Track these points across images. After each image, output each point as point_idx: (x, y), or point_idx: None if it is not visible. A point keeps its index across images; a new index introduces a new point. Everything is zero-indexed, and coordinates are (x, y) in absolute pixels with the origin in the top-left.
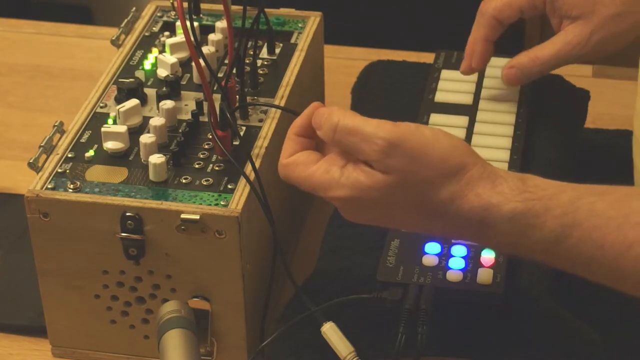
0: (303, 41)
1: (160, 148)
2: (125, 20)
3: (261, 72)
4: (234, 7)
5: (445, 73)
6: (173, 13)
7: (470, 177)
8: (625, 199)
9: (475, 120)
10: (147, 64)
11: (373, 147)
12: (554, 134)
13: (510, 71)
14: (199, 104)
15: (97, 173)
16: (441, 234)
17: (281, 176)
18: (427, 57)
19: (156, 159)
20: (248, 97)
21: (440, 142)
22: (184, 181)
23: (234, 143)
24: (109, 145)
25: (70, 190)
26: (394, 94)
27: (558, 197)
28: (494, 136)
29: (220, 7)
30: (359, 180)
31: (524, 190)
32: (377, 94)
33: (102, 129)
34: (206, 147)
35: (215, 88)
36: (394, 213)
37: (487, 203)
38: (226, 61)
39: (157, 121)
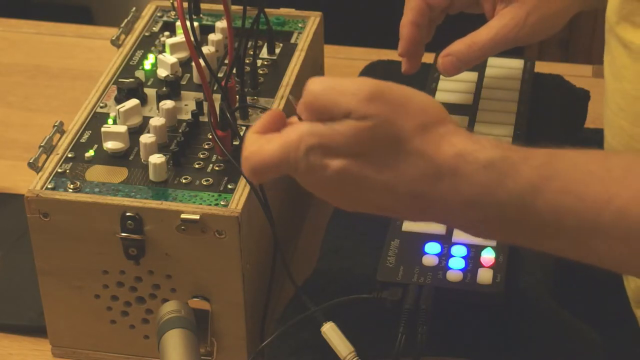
0: (303, 41)
1: (160, 148)
2: (125, 20)
3: (261, 72)
4: (234, 7)
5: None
6: (173, 13)
7: (446, 130)
8: (606, 156)
9: (475, 120)
10: (147, 64)
11: (353, 98)
12: (554, 134)
13: (446, 59)
14: (199, 104)
15: (97, 173)
16: (408, 200)
17: (248, 172)
18: (427, 57)
19: (156, 159)
20: (248, 97)
21: (422, 96)
22: (184, 181)
23: (234, 143)
24: (109, 145)
25: (70, 190)
26: None
27: (537, 150)
28: (494, 136)
29: (220, 7)
30: (332, 126)
31: (502, 143)
32: None
33: (102, 129)
34: (206, 147)
35: (215, 88)
36: (362, 169)
37: (463, 150)
38: (226, 61)
39: (157, 121)
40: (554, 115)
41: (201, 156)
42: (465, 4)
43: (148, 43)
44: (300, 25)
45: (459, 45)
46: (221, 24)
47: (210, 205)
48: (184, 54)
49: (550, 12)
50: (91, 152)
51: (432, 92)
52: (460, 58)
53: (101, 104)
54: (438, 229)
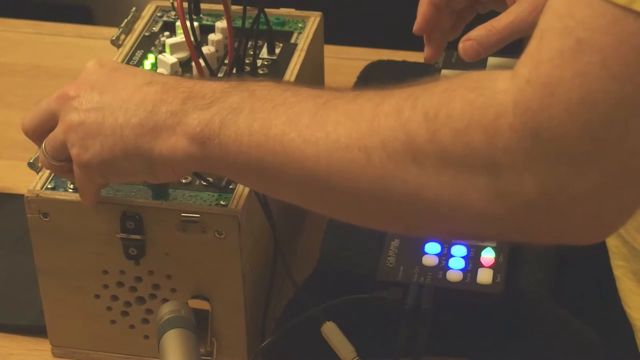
0: (303, 41)
1: None
2: (125, 20)
3: (261, 72)
4: (234, 7)
5: (445, 73)
6: (173, 13)
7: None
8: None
9: None
10: (147, 64)
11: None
12: None
13: (467, 44)
14: None
15: None
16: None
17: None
18: None
19: None
20: None
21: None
22: (183, 181)
23: None
24: None
25: (70, 190)
26: None
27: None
28: None
29: (220, 7)
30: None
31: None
32: None
33: None
34: None
35: None
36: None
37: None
38: (226, 61)
39: None
40: None
41: None
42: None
43: (148, 43)
44: (300, 25)
45: (479, 30)
46: (221, 24)
47: (210, 205)
48: (184, 54)
49: None
50: None
51: None
52: (480, 42)
53: None
54: None
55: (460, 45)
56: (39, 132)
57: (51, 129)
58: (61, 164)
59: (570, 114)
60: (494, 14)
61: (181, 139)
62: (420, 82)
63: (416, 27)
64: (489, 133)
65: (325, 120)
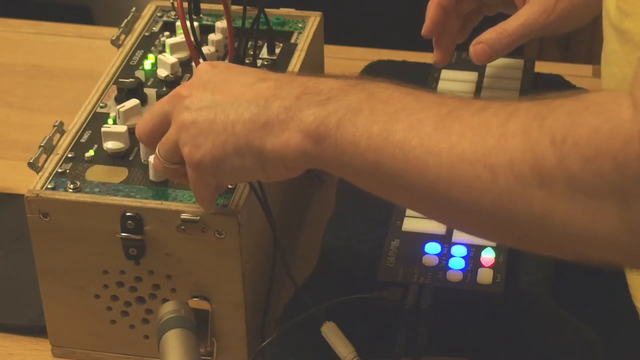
0: (303, 41)
1: None
2: (125, 20)
3: None
4: (234, 7)
5: (445, 73)
6: (173, 13)
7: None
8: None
9: None
10: (147, 64)
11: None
12: None
13: (478, 47)
14: None
15: (97, 173)
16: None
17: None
18: (427, 57)
19: None
20: None
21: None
22: None
23: None
24: (109, 145)
25: (70, 190)
26: None
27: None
28: None
29: (220, 7)
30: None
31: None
32: None
33: (102, 129)
34: None
35: None
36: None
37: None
38: (226, 61)
39: None
40: None
41: None
42: (499, 1)
43: (148, 43)
44: (300, 25)
45: (490, 34)
46: (221, 24)
47: None
48: (184, 54)
49: (579, 2)
50: (91, 152)
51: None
52: (491, 45)
53: (101, 104)
54: (438, 229)
55: (472, 49)
56: (153, 136)
57: (165, 131)
58: (175, 167)
59: None
60: (500, 16)
61: (295, 134)
62: (545, 98)
63: (425, 30)
64: (618, 162)
65: (450, 131)
